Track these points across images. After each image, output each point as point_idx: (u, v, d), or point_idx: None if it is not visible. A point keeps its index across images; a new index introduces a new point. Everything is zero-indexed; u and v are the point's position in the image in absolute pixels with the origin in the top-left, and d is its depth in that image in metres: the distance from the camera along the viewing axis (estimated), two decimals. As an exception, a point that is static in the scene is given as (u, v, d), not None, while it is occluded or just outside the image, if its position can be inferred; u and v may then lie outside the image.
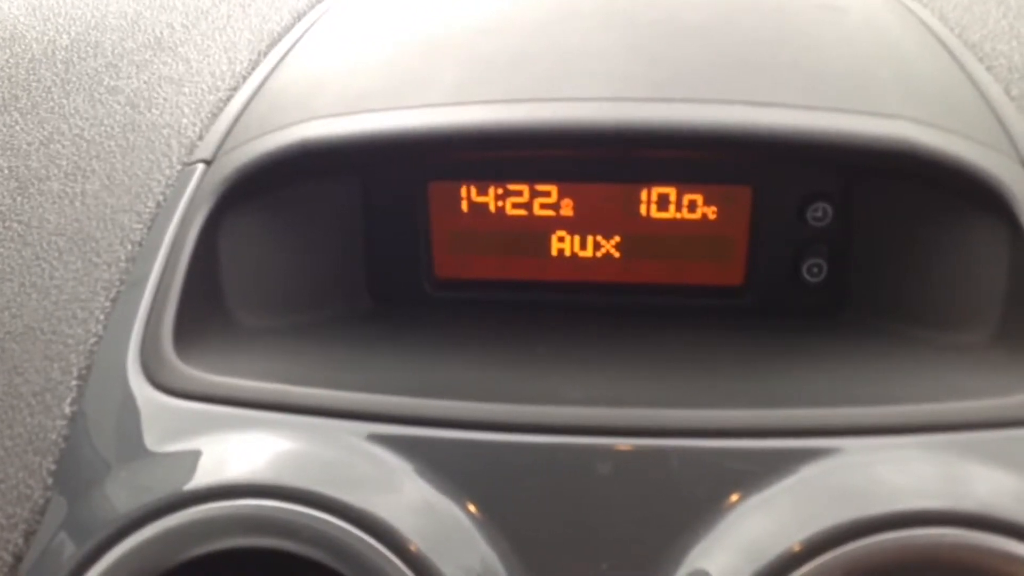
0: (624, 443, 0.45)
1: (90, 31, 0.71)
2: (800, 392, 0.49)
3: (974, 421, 0.44)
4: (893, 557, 0.41)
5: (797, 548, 0.41)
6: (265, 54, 0.66)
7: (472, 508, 0.44)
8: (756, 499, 0.43)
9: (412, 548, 0.42)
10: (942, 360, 0.50)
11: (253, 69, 0.64)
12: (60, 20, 0.73)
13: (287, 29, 0.70)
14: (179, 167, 0.57)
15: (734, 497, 0.44)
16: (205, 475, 0.44)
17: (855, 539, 0.41)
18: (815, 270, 0.56)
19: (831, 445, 0.44)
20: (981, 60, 0.59)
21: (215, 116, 0.60)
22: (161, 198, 0.55)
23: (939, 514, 0.41)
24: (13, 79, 0.67)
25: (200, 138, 0.59)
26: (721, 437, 0.45)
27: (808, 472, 0.44)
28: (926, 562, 0.41)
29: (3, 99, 0.65)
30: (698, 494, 0.44)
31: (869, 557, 0.41)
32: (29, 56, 0.69)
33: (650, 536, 0.44)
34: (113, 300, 0.52)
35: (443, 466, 0.45)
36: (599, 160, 0.56)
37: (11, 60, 0.68)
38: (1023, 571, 0.40)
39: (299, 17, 0.71)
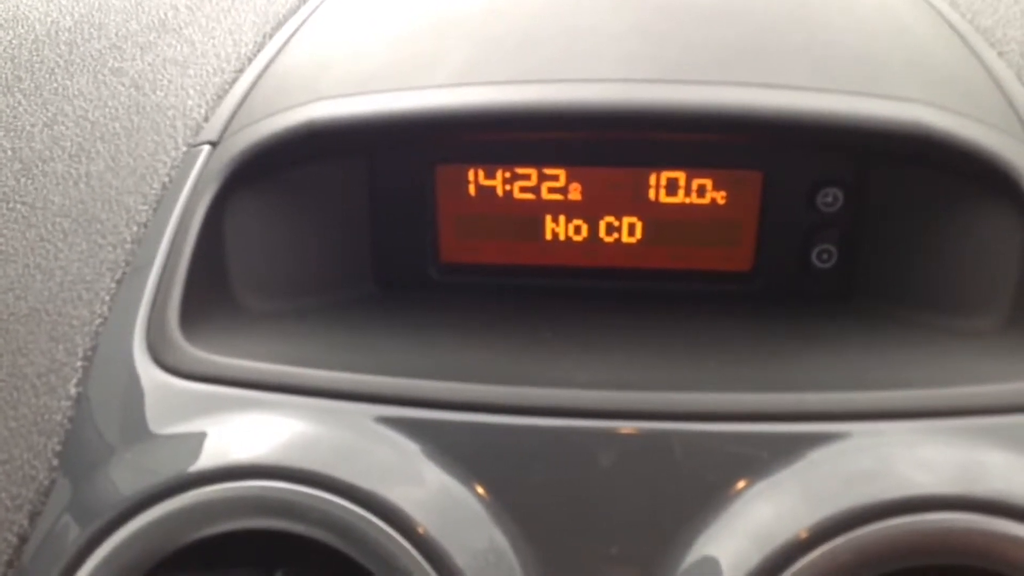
0: (633, 427, 0.45)
1: (93, 12, 0.71)
2: (809, 377, 0.48)
3: (985, 406, 0.44)
4: (903, 542, 0.41)
5: (806, 533, 0.41)
6: (270, 35, 0.66)
7: (480, 490, 0.44)
8: (765, 484, 0.43)
9: (420, 530, 0.42)
10: (953, 345, 0.50)
11: (258, 50, 0.64)
12: (63, 1, 0.72)
13: (292, 10, 0.69)
14: (184, 149, 0.57)
15: (743, 482, 0.43)
16: (211, 456, 0.44)
17: (865, 524, 0.41)
18: (825, 256, 0.56)
19: (840, 430, 0.44)
20: (993, 45, 0.59)
21: (220, 98, 0.60)
22: (167, 180, 0.55)
23: (950, 499, 0.41)
24: (16, 60, 0.66)
25: (205, 120, 0.58)
26: (730, 421, 0.45)
27: (817, 457, 0.44)
28: (937, 547, 0.40)
29: (6, 80, 0.65)
30: (707, 478, 0.44)
31: (879, 542, 0.41)
32: (32, 37, 0.68)
33: (658, 520, 0.43)
34: (118, 281, 0.52)
35: (451, 448, 0.45)
36: (607, 144, 0.56)
37: (14, 41, 0.68)
38: None
39: (304, -1, 0.71)
